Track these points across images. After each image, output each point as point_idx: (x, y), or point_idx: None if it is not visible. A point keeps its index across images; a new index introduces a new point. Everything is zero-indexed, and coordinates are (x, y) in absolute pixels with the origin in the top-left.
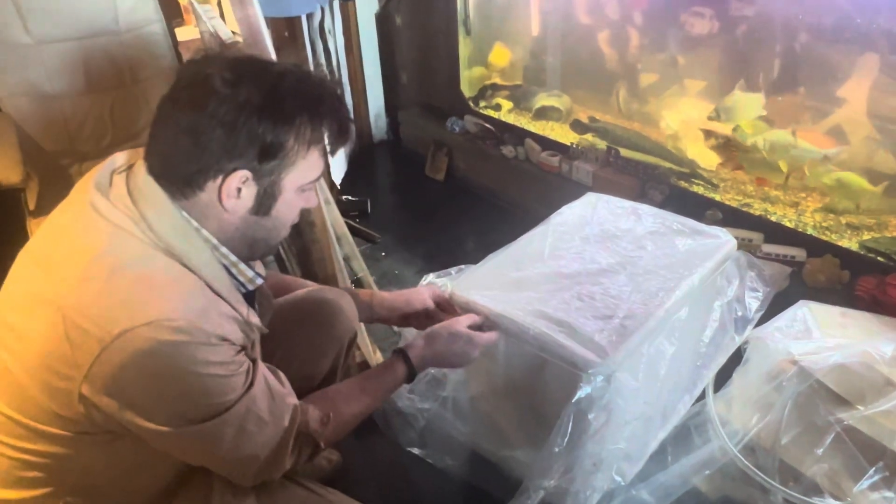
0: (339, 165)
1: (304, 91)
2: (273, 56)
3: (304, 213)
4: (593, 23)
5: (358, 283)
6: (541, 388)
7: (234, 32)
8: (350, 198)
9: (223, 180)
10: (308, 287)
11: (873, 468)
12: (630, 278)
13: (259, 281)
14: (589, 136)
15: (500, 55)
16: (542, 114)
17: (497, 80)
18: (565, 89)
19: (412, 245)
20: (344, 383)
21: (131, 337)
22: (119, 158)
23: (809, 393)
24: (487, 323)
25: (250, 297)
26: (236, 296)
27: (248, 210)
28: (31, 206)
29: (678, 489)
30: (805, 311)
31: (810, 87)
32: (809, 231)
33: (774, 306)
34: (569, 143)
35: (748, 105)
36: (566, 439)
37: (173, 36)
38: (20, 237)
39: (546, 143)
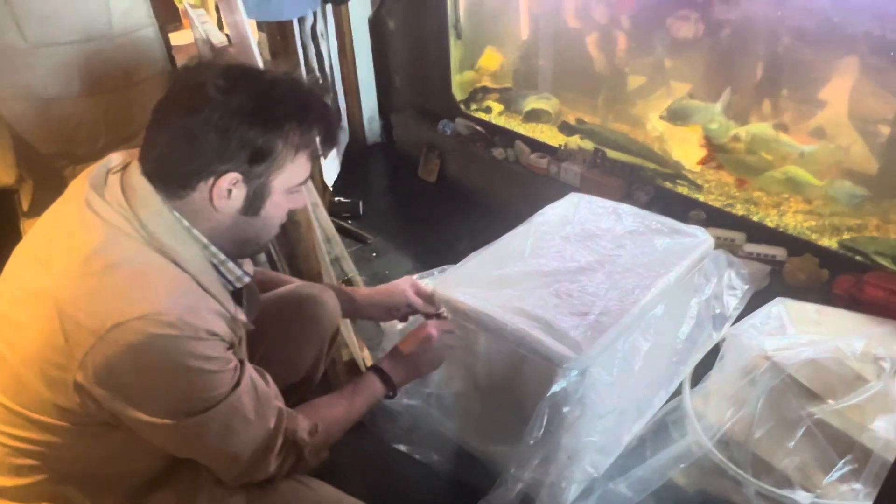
0: (331, 168)
1: (294, 98)
2: (259, 60)
3: (290, 213)
4: (582, 27)
5: (348, 283)
6: (519, 383)
7: (227, 36)
8: (342, 199)
9: (214, 182)
10: (292, 283)
11: (842, 461)
12: (608, 276)
13: (247, 279)
14: (576, 138)
15: (490, 59)
16: (532, 116)
17: (488, 83)
18: (555, 92)
19: (403, 246)
20: (331, 397)
21: (124, 330)
22: (114, 159)
23: (782, 388)
24: (460, 320)
25: (238, 295)
26: (225, 294)
27: (238, 210)
28: (25, 207)
29: (655, 482)
30: (780, 309)
31: (792, 89)
32: (790, 231)
33: (755, 304)
34: (557, 146)
35: (698, 111)
36: (542, 432)
37: (167, 40)
38: (14, 238)
39: (535, 146)
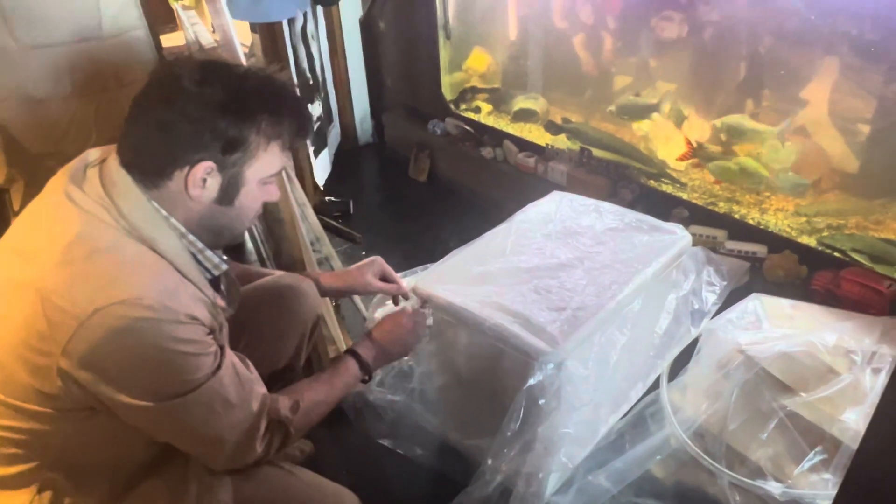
0: (322, 167)
1: (266, 90)
2: (243, 61)
3: (275, 211)
4: (569, 27)
5: None
6: (498, 376)
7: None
8: (333, 199)
9: (189, 170)
10: (271, 275)
11: (813, 451)
12: (586, 272)
13: (224, 266)
14: (563, 137)
15: (478, 59)
16: (521, 116)
17: (477, 83)
18: (543, 92)
19: (393, 244)
20: (310, 380)
21: (105, 314)
22: (92, 153)
23: (755, 381)
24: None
25: (216, 284)
26: (203, 281)
27: (213, 199)
28: (16, 206)
29: (633, 474)
30: (756, 304)
31: (774, 88)
32: (771, 228)
33: (735, 300)
34: (544, 145)
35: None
36: (519, 424)
37: (158, 41)
38: None
39: (523, 145)
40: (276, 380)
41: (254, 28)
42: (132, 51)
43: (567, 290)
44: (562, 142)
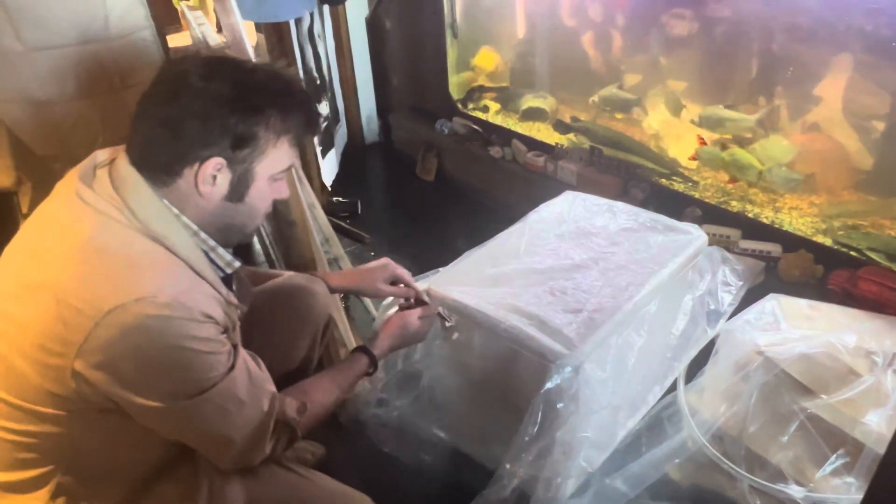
0: (330, 167)
1: (274, 86)
2: (254, 60)
3: (286, 213)
4: (578, 25)
5: None
6: (513, 379)
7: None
8: (340, 199)
9: (199, 167)
10: (281, 276)
11: (835, 455)
12: (602, 273)
13: (237, 264)
14: (572, 136)
15: (485, 58)
16: (529, 115)
17: (484, 82)
18: (551, 91)
19: (401, 244)
20: (315, 377)
21: (121, 313)
22: (101, 154)
23: (775, 383)
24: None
25: (227, 282)
26: (216, 278)
27: (223, 196)
28: (25, 209)
29: (651, 477)
30: (774, 304)
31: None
32: (786, 227)
33: (751, 300)
34: (554, 144)
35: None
36: (536, 428)
37: (165, 42)
38: None
39: (532, 144)
40: (289, 382)
41: (259, 28)
42: (139, 52)
43: (583, 291)
44: (572, 140)
